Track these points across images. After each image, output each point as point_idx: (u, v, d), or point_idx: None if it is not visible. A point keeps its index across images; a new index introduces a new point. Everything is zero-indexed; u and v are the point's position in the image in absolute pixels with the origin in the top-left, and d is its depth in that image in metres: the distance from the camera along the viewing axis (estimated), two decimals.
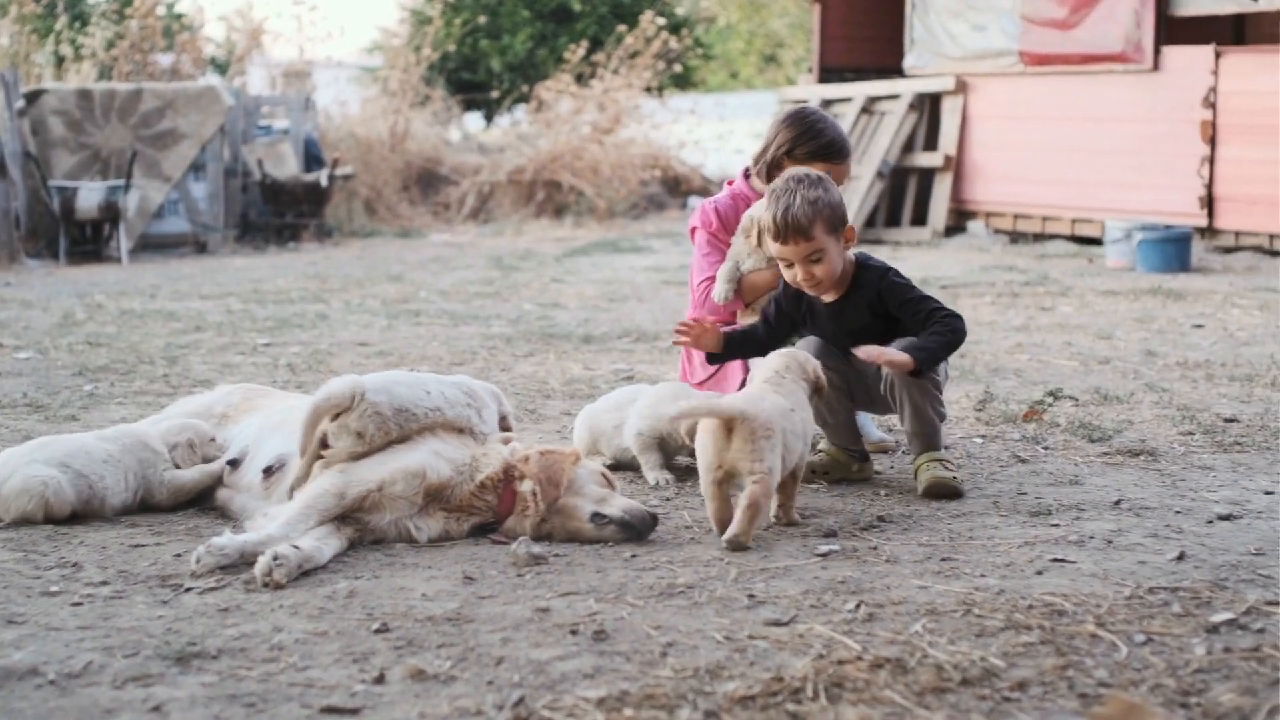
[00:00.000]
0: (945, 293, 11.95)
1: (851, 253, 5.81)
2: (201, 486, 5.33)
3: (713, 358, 6.18)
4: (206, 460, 5.38)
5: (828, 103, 19.12)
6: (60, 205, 16.14)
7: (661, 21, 24.70)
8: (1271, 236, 15.48)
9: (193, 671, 3.68)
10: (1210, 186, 15.87)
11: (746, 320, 6.32)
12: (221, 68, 22.50)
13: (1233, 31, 18.34)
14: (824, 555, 4.77)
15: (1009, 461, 6.24)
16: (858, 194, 17.84)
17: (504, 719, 3.42)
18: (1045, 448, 6.51)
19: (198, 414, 5.57)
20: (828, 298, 5.81)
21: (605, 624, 4.05)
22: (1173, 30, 16.50)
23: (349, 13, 65.93)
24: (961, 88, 18.26)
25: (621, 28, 24.79)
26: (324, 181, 18.48)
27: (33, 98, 17.21)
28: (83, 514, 5.10)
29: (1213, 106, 15.79)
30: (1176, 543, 4.91)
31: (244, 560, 4.51)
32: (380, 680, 3.64)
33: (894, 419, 6.24)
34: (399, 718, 3.43)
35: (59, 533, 4.97)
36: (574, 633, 3.99)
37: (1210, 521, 5.21)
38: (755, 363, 5.65)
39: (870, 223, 18.23)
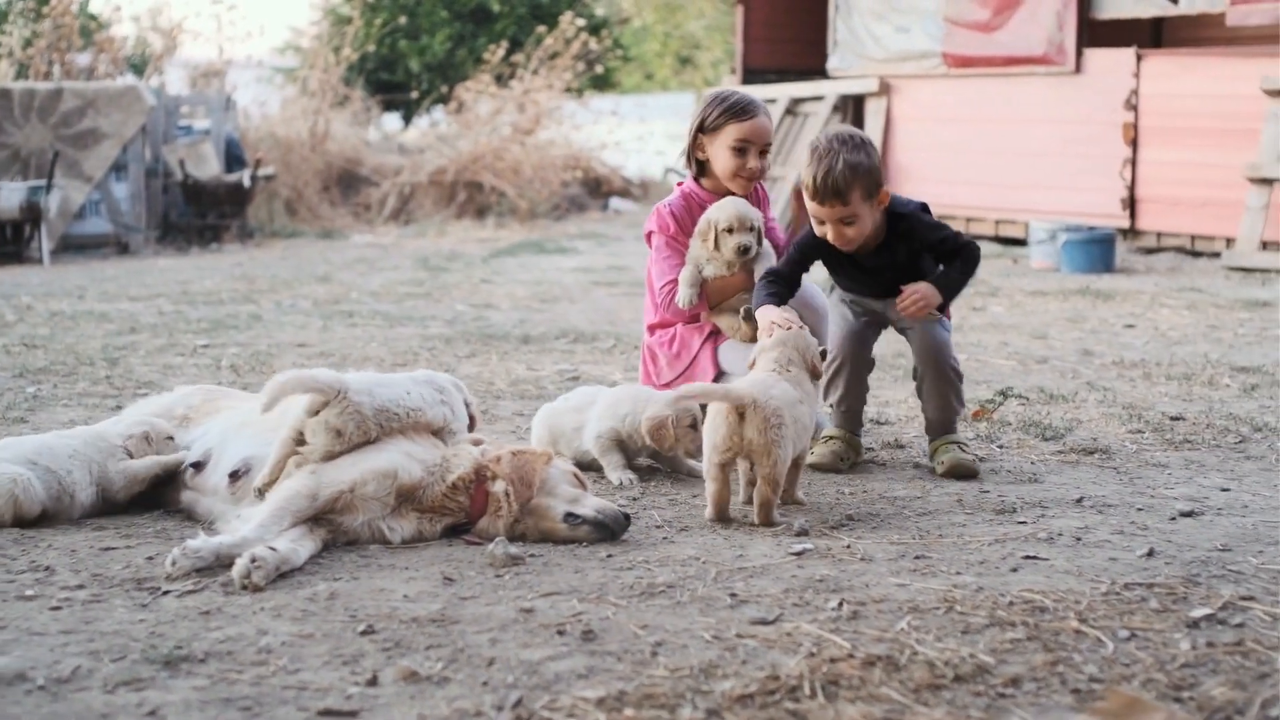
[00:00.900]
0: None
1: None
2: (154, 475, 5.23)
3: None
4: None
5: None
6: None
7: (581, 23, 24.66)
8: (1193, 237, 15.70)
9: (182, 675, 3.64)
10: (1132, 188, 16.08)
11: (718, 319, 6.43)
12: (138, 67, 22.22)
13: (1151, 34, 18.55)
14: (799, 554, 4.78)
15: None
16: (783, 195, 17.90)
17: None
18: (1000, 446, 6.56)
19: (158, 415, 5.50)
20: (852, 251, 5.99)
21: (592, 624, 4.04)
22: (1094, 33, 16.69)
23: (263, 12, 65.47)
24: (885, 89, 18.38)
25: (541, 29, 24.71)
26: (247, 182, 18.31)
27: None
28: (53, 512, 5.02)
29: (1134, 109, 16.00)
30: (1144, 539, 4.96)
31: (219, 563, 4.46)
32: (374, 682, 3.61)
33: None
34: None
35: (25, 536, 4.88)
36: (561, 633, 3.98)
37: (1173, 518, 5.27)
38: (759, 346, 5.69)
39: None
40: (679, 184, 6.78)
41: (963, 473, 5.92)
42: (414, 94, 26.85)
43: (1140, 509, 5.41)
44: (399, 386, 5.11)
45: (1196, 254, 15.64)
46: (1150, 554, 4.78)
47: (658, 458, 6.07)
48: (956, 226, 17.75)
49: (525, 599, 4.27)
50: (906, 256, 5.99)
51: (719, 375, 6.41)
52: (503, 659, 3.77)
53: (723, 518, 5.22)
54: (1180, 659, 3.80)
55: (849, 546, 4.88)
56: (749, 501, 5.34)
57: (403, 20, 27.83)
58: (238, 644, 3.86)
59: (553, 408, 6.23)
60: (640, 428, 5.81)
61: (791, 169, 18.10)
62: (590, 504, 4.94)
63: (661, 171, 27.24)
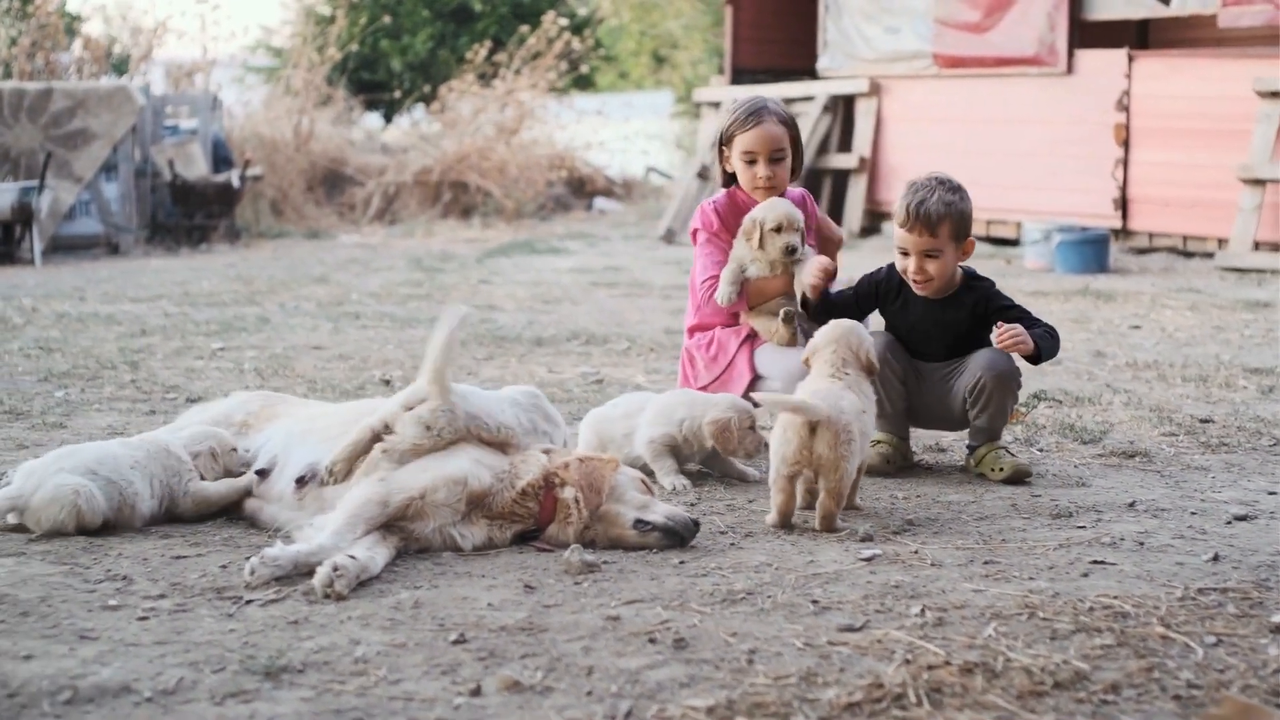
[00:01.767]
0: None
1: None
2: (228, 501, 5.25)
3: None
4: (229, 470, 5.30)
5: None
6: None
7: (564, 22, 24.63)
8: (1185, 238, 15.78)
9: (285, 686, 3.63)
10: (1124, 188, 16.15)
11: (755, 321, 6.45)
12: (118, 67, 22.10)
13: (1142, 36, 18.63)
14: (868, 560, 4.80)
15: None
16: None
17: None
18: (1040, 450, 6.59)
19: (217, 422, 5.48)
20: (927, 294, 6.07)
21: (681, 632, 4.05)
22: (1085, 34, 16.75)
23: (235, 11, 65.26)
24: (875, 90, 18.43)
25: (524, 28, 24.67)
26: (236, 182, 18.24)
27: None
28: (114, 523, 5.00)
29: (1126, 109, 16.07)
30: (1205, 544, 5.00)
31: (297, 571, 4.46)
32: (477, 693, 3.61)
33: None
34: None
35: (95, 544, 4.86)
36: (653, 641, 3.98)
37: (1229, 522, 5.31)
38: (811, 345, 5.72)
39: None
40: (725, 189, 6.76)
41: (1020, 477, 5.96)
42: (396, 93, 26.77)
43: (1194, 513, 5.44)
44: (498, 401, 5.13)
45: (1189, 254, 15.72)
46: (1216, 559, 4.81)
47: (708, 462, 6.08)
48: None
49: (609, 607, 4.28)
50: (970, 320, 6.10)
51: (755, 379, 6.42)
52: (601, 668, 3.78)
53: (785, 525, 5.25)
54: (1272, 664, 3.83)
55: (916, 552, 4.90)
56: (805, 506, 5.36)
57: (387, 20, 27.73)
58: (332, 654, 3.86)
59: (601, 413, 6.23)
60: (701, 431, 5.84)
61: None
62: (660, 510, 4.95)
63: (643, 171, 27.26)
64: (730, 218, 6.58)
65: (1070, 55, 16.57)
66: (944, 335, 6.12)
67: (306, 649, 3.89)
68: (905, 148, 18.21)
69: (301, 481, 5.07)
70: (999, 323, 6.01)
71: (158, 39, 21.98)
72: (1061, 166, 16.66)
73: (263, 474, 5.22)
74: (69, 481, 4.93)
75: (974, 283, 6.17)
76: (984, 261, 15.56)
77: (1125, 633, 4.06)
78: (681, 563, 4.76)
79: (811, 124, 18.28)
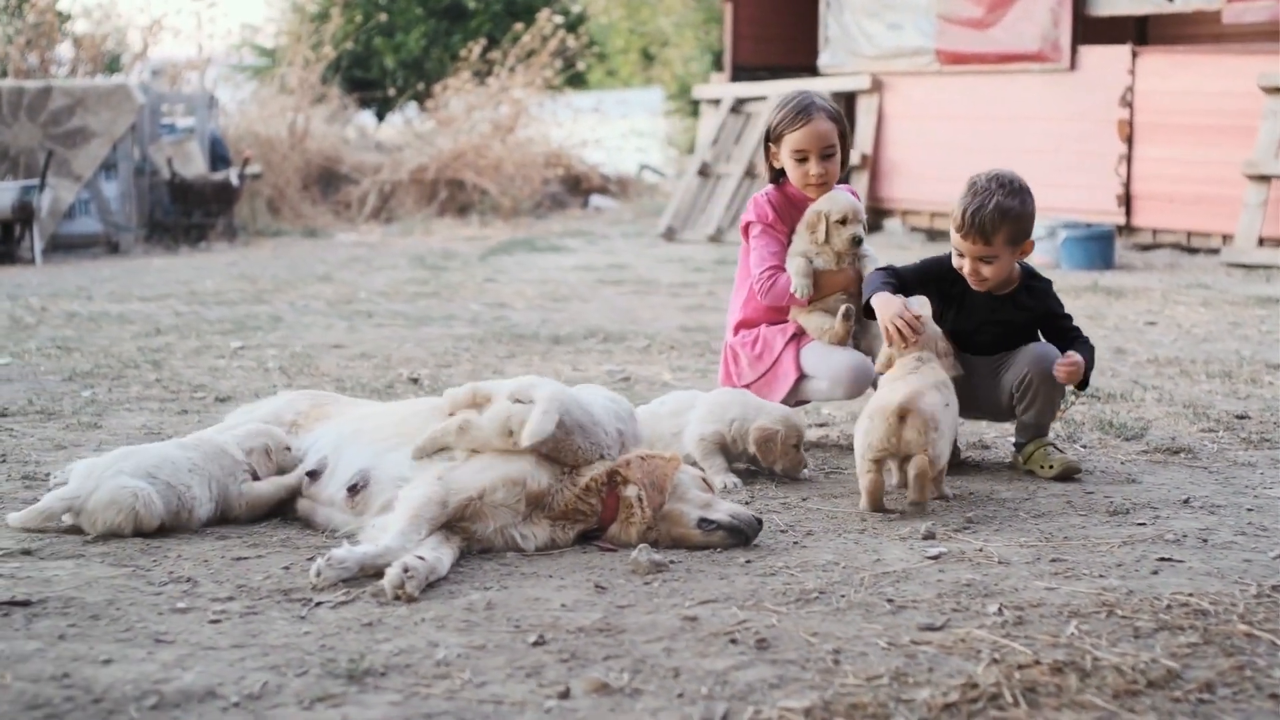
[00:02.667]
0: None
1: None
2: (278, 499, 5.19)
3: None
4: (282, 469, 5.24)
5: (741, 101, 19.17)
6: None
7: (559, 19, 24.57)
8: (1189, 234, 15.77)
9: (371, 690, 3.57)
10: (1128, 185, 16.13)
11: (804, 318, 6.42)
12: (111, 65, 21.99)
13: (1144, 31, 18.63)
14: (935, 558, 4.76)
15: None
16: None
17: None
18: (1084, 446, 6.56)
19: (267, 421, 5.42)
20: (983, 290, 6.08)
21: (761, 632, 4.00)
22: (1088, 30, 16.73)
23: (225, 10, 65.24)
24: (877, 86, 18.40)
25: (518, 26, 24.60)
26: (235, 180, 18.16)
27: None
28: (170, 526, 4.94)
29: (1130, 105, 16.05)
30: (1269, 540, 4.97)
31: (364, 573, 4.40)
32: (566, 695, 3.56)
33: None
34: None
35: (152, 545, 4.80)
36: (734, 641, 3.93)
37: None
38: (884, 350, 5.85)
39: None
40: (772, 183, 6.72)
41: (1070, 474, 5.93)
42: (390, 92, 26.69)
43: (1250, 509, 5.41)
44: (604, 425, 5.05)
45: (1193, 250, 15.71)
46: None
47: (758, 461, 6.04)
48: (951, 224, 17.89)
49: (683, 607, 4.23)
50: (1025, 317, 6.09)
51: (800, 378, 6.38)
52: (687, 669, 3.73)
53: (878, 508, 5.34)
54: None
55: (980, 549, 4.86)
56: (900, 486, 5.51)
57: (383, 18, 27.65)
58: (412, 656, 3.80)
59: (649, 411, 6.18)
60: (748, 434, 5.80)
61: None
62: (723, 509, 4.90)
63: (637, 168, 27.20)
64: (785, 209, 6.53)
65: (1074, 51, 16.55)
66: (997, 330, 6.11)
67: (385, 651, 3.83)
68: (907, 145, 18.18)
69: (354, 490, 5.00)
70: (1065, 353, 5.95)
71: (153, 36, 21.88)
72: (1065, 163, 16.63)
73: (313, 475, 5.16)
74: (128, 484, 4.87)
75: (1032, 283, 6.15)
76: None
77: (1209, 630, 4.02)
78: (748, 562, 4.71)
79: None
